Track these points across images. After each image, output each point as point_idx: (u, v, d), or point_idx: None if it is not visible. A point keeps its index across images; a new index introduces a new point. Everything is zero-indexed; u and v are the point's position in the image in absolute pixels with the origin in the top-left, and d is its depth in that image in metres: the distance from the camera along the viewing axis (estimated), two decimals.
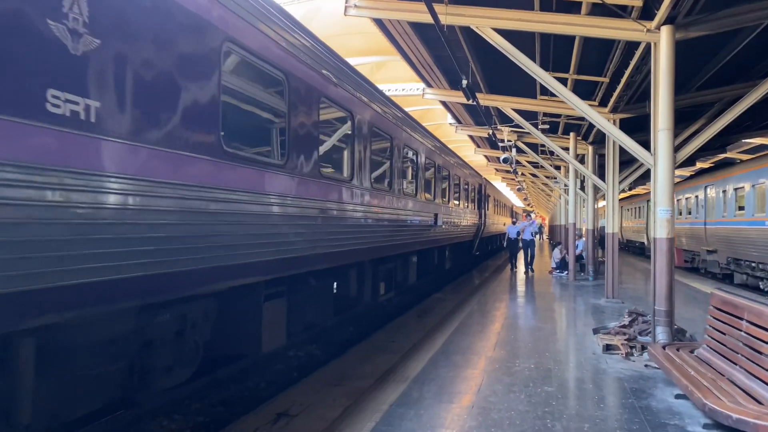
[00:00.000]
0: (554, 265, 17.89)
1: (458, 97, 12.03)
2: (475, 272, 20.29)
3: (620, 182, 11.25)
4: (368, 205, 7.90)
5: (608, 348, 6.92)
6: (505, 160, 15.79)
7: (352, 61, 20.74)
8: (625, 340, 6.94)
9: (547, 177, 23.69)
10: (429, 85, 12.24)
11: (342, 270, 7.89)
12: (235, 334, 5.48)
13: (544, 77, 7.11)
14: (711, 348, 4.87)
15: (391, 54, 12.98)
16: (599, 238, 20.11)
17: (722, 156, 23.42)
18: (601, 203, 29.29)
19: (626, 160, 14.56)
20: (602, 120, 6.95)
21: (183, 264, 3.99)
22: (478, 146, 22.10)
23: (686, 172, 30.77)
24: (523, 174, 27.34)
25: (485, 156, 24.54)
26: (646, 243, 27.76)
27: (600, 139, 15.27)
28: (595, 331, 7.71)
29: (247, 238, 4.73)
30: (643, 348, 6.79)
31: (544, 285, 14.60)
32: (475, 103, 10.12)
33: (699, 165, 26.74)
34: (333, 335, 8.85)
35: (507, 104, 11.81)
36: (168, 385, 4.84)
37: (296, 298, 6.54)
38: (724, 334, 4.79)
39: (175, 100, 3.80)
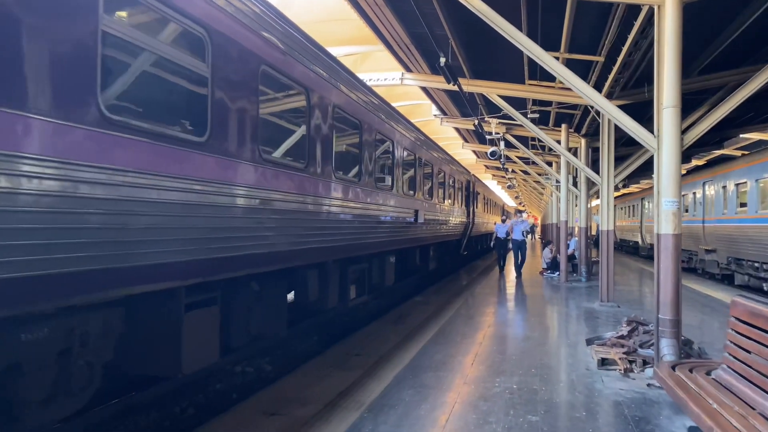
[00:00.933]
0: (545, 266, 16.97)
1: (440, 83, 11.01)
2: (462, 273, 19.31)
3: (615, 176, 10.29)
4: (331, 198, 6.88)
5: (604, 362, 5.95)
6: (493, 154, 14.80)
7: (333, 50, 19.71)
8: (623, 353, 5.97)
9: (538, 174, 22.76)
10: (408, 70, 11.22)
11: (300, 272, 6.87)
12: (147, 352, 4.44)
13: (531, 47, 6.11)
14: (734, 370, 3.89)
15: (375, 43, 11.88)
16: (594, 238, 19.18)
17: (719, 152, 22.61)
18: (594, 202, 28.49)
19: (621, 156, 13.62)
20: (596, 96, 5.95)
21: (37, 267, 2.96)
22: (466, 141, 21.12)
23: (681, 170, 29.96)
24: (513, 171, 26.40)
25: (474, 152, 23.60)
26: (640, 242, 26.95)
27: (594, 131, 14.33)
28: (589, 342, 6.73)
29: (146, 233, 3.70)
30: (645, 363, 5.82)
31: (534, 287, 13.63)
32: (456, 86, 9.12)
33: (695, 162, 25.97)
34: (292, 346, 7.82)
35: (493, 90, 10.82)
36: (48, 419, 3.80)
37: (236, 307, 5.51)
38: (750, 352, 3.81)
39: (13, 41, 2.76)
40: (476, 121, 12.89)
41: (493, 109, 13.85)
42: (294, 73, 5.82)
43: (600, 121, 10.22)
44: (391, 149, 9.91)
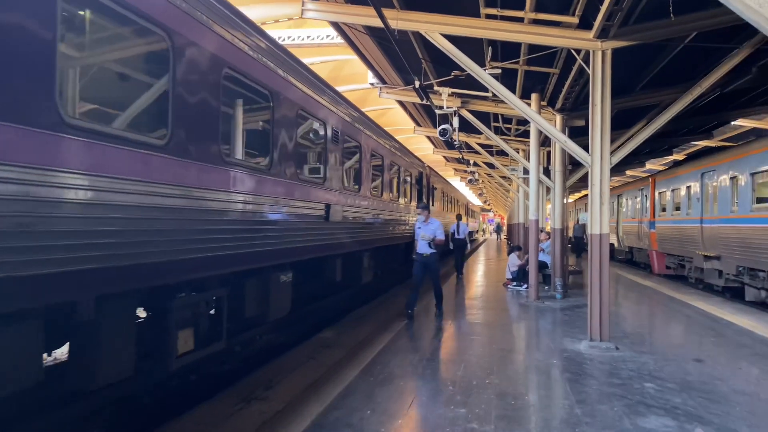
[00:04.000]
0: (510, 276, 13.54)
1: (356, 14, 7.43)
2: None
3: (613, 153, 6.89)
4: (90, 175, 3.21)
5: None
6: (443, 133, 11.28)
7: (267, 10, 15.67)
8: None
9: (504, 165, 19.43)
10: None
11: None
12: None
13: None
14: None
15: None
16: (575, 240, 15.96)
17: (703, 144, 19.82)
18: (571, 199, 25.48)
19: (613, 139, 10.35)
20: None
21: None
22: (419, 125, 17.62)
23: (657, 165, 27.08)
24: (476, 164, 23.07)
25: (429, 138, 20.14)
26: (616, 245, 24.08)
27: (572, 105, 11.02)
28: None
29: None
30: None
31: (496, 309, 10.17)
32: (371, 6, 5.56)
33: (675, 156, 23.19)
34: None
35: (434, 27, 7.26)
36: None
37: None
38: None
39: None
40: (417, 84, 9.35)
41: (442, 72, 10.37)
42: None
43: (591, 71, 6.80)
44: (270, 109, 6.24)
